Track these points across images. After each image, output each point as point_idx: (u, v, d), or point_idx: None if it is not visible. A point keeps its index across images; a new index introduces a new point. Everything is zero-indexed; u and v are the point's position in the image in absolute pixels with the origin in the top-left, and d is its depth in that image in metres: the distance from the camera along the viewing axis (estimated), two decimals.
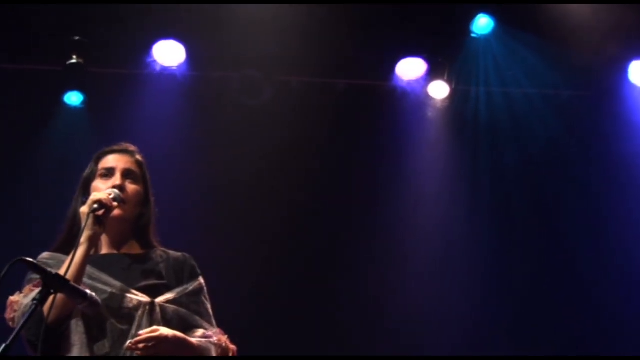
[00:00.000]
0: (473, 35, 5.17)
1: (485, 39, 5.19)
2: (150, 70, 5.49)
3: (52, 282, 2.25)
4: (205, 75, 5.64)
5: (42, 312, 2.44)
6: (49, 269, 2.54)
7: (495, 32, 5.18)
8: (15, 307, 2.60)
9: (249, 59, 5.54)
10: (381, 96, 5.65)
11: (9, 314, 2.61)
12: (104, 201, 2.67)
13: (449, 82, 5.46)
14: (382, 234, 5.60)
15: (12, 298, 2.63)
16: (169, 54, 5.49)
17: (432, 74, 5.43)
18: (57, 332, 2.58)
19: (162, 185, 5.36)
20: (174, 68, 5.53)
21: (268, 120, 5.64)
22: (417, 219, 5.57)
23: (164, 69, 5.52)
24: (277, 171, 5.69)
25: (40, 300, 2.23)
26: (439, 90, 5.50)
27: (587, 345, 5.36)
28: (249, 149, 5.68)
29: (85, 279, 2.64)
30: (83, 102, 5.53)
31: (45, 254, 2.77)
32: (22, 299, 2.59)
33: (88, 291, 2.39)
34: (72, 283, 2.33)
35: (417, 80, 5.48)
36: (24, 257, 2.21)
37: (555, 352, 5.31)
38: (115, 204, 2.73)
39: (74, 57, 5.36)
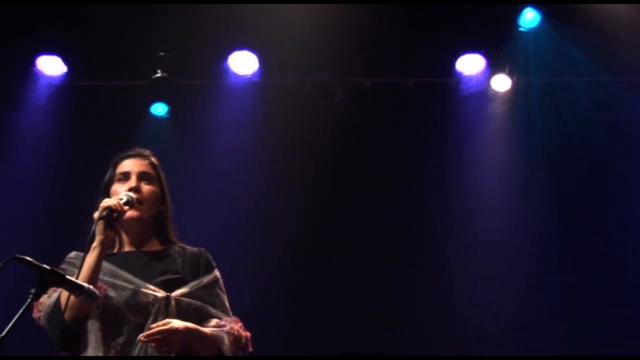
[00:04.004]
0: (521, 29, 5.08)
1: (532, 31, 5.08)
2: (227, 80, 5.73)
3: (48, 277, 2.32)
4: (278, 82, 5.75)
5: (60, 312, 2.57)
6: (72, 268, 2.72)
7: (542, 25, 5.05)
8: (40, 308, 2.69)
9: (319, 62, 5.63)
10: (444, 92, 5.59)
11: (35, 314, 2.70)
12: (114, 207, 2.72)
13: (510, 75, 5.37)
14: (446, 226, 5.57)
15: None
16: (243, 63, 5.65)
17: (492, 68, 5.35)
18: (75, 331, 2.67)
19: (240, 186, 5.64)
20: (249, 76, 5.75)
21: (339, 120, 5.75)
22: (479, 211, 5.49)
23: (240, 77, 5.74)
24: (348, 169, 5.78)
25: (36, 294, 2.31)
26: (500, 84, 5.41)
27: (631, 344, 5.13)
28: (323, 150, 5.78)
29: (106, 277, 2.73)
30: (168, 112, 5.80)
31: (72, 254, 2.87)
32: (46, 300, 2.67)
33: (85, 284, 2.45)
34: (67, 277, 2.39)
35: (477, 76, 5.41)
36: (17, 255, 2.27)
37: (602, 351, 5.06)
38: (126, 207, 2.78)
39: (159, 71, 5.66)
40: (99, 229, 2.70)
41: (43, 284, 2.36)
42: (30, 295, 2.34)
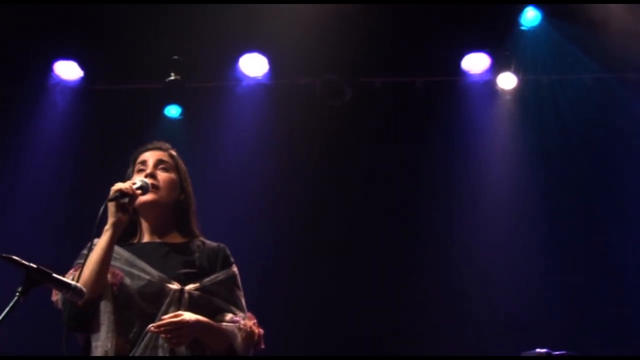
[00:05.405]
0: (522, 27, 5.10)
1: (534, 30, 5.09)
2: (238, 82, 5.82)
3: (35, 275, 2.35)
4: (288, 83, 5.82)
5: None
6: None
7: (543, 24, 5.06)
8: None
9: (328, 63, 5.68)
10: (452, 90, 5.62)
11: (53, 297, 2.75)
12: (124, 189, 2.71)
13: (515, 73, 5.38)
14: (448, 225, 5.59)
15: None
16: (253, 65, 5.73)
17: (497, 66, 5.38)
18: (87, 313, 2.68)
19: (252, 187, 5.71)
20: (259, 78, 5.83)
21: (349, 120, 5.80)
22: (482, 210, 5.50)
23: (250, 79, 5.82)
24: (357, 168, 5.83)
25: (23, 291, 2.33)
26: (506, 81, 5.43)
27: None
28: (333, 149, 5.83)
29: (124, 265, 2.75)
30: (181, 114, 5.90)
31: (96, 240, 2.80)
32: None
33: (72, 282, 2.46)
34: (54, 275, 2.42)
35: (482, 74, 5.44)
36: (3, 254, 2.29)
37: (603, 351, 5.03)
38: (139, 192, 2.76)
39: (172, 74, 5.75)
40: (110, 211, 2.70)
41: (30, 282, 2.41)
42: (17, 293, 2.37)
